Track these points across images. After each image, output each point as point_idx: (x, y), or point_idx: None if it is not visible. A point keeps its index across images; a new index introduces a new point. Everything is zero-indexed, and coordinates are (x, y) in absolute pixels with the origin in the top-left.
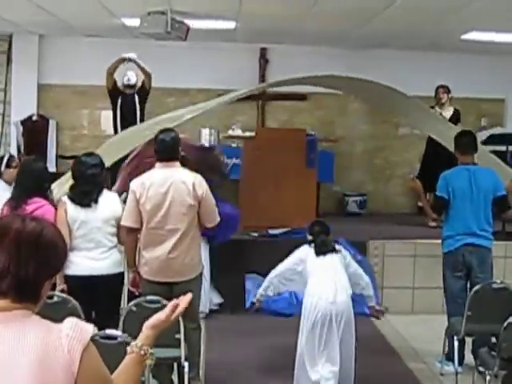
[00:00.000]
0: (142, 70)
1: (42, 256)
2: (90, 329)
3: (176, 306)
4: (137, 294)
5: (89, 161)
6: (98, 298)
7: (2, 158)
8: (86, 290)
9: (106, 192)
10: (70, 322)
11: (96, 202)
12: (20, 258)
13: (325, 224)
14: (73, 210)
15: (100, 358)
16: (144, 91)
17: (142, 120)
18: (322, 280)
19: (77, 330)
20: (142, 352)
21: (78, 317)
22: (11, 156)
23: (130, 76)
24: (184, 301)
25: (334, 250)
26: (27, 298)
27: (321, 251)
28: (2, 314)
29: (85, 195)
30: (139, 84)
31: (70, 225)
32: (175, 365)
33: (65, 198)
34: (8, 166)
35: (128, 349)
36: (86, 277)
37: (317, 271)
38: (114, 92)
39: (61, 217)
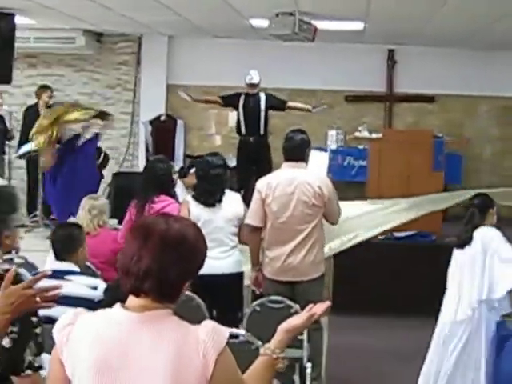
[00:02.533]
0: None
1: (184, 258)
2: (226, 334)
3: (312, 314)
4: (258, 293)
5: (213, 161)
6: (218, 297)
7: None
8: (208, 288)
9: (228, 192)
10: (207, 326)
11: (220, 201)
12: (163, 260)
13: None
14: (196, 209)
15: (235, 362)
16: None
17: (266, 121)
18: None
19: (213, 335)
20: (274, 356)
21: (202, 315)
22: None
23: (253, 75)
24: (321, 307)
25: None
26: (167, 298)
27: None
28: (142, 314)
29: (209, 195)
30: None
31: None
32: (297, 365)
33: (188, 197)
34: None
35: (261, 351)
36: (207, 275)
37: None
38: (230, 100)
39: (184, 215)
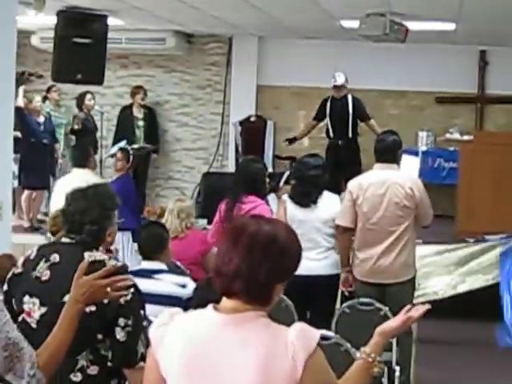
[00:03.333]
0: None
1: (274, 260)
2: (316, 335)
3: (409, 317)
4: (347, 294)
5: (311, 162)
6: (313, 298)
7: (283, 174)
8: (302, 289)
9: (326, 193)
10: (297, 328)
11: (315, 202)
12: (253, 261)
13: None
14: (292, 209)
15: (327, 365)
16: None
17: (354, 124)
18: None
19: (302, 337)
20: (370, 359)
21: (292, 316)
22: (291, 173)
23: (337, 77)
24: (418, 311)
25: None
26: (258, 300)
27: None
28: (233, 316)
29: (304, 195)
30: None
31: (288, 223)
32: (385, 368)
33: (285, 197)
34: (286, 182)
35: (357, 354)
36: (303, 276)
37: None
38: (320, 115)
39: (280, 215)
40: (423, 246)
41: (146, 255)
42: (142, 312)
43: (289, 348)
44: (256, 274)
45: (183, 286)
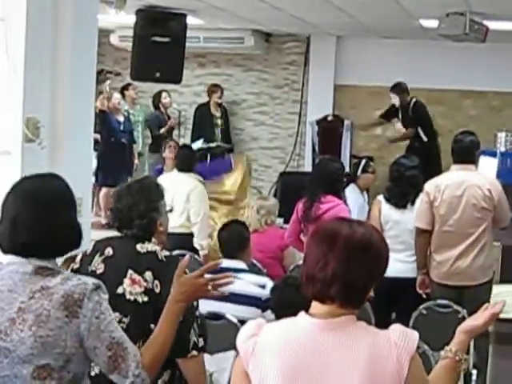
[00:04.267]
0: None
1: (370, 262)
2: (416, 337)
3: (494, 312)
4: (424, 296)
5: (407, 163)
6: (400, 300)
7: (360, 162)
8: (390, 291)
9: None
10: (398, 330)
11: (412, 203)
12: (350, 265)
13: None
14: (387, 210)
15: (422, 365)
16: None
17: (426, 127)
18: None
19: (405, 339)
20: (457, 358)
21: (369, 318)
22: (367, 161)
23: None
24: (496, 307)
25: None
26: (353, 304)
27: None
28: (329, 321)
29: (402, 196)
30: None
31: (382, 224)
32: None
33: (380, 197)
34: (364, 170)
35: (441, 353)
36: (391, 278)
37: None
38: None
39: (374, 215)
40: None
41: (227, 254)
42: (194, 302)
43: (392, 350)
44: (354, 278)
45: (263, 287)
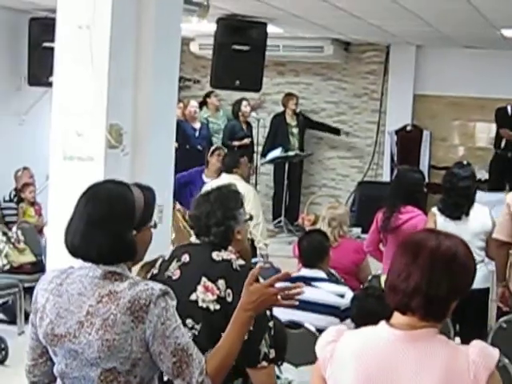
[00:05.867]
0: None
1: (454, 276)
2: (496, 355)
3: None
4: (504, 309)
5: (461, 173)
6: (464, 312)
7: None
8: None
9: (476, 205)
10: (478, 346)
11: (467, 214)
12: (433, 277)
13: None
14: (442, 222)
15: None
16: None
17: None
18: None
19: (484, 356)
20: None
21: (448, 332)
22: None
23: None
24: None
25: None
26: (434, 317)
27: None
28: (409, 333)
29: (456, 207)
30: None
31: None
32: None
33: (435, 209)
34: None
35: None
36: None
37: None
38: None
39: (429, 227)
40: None
41: (307, 262)
42: (267, 312)
43: (470, 366)
44: (436, 291)
45: (341, 296)
